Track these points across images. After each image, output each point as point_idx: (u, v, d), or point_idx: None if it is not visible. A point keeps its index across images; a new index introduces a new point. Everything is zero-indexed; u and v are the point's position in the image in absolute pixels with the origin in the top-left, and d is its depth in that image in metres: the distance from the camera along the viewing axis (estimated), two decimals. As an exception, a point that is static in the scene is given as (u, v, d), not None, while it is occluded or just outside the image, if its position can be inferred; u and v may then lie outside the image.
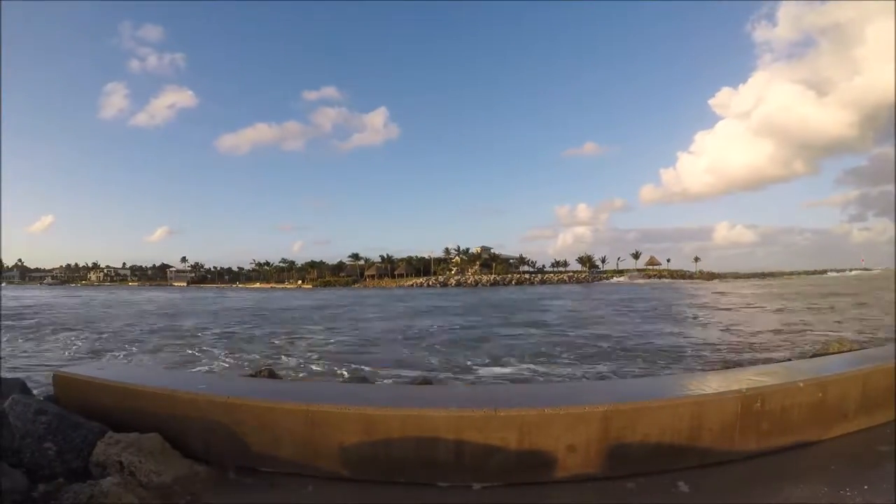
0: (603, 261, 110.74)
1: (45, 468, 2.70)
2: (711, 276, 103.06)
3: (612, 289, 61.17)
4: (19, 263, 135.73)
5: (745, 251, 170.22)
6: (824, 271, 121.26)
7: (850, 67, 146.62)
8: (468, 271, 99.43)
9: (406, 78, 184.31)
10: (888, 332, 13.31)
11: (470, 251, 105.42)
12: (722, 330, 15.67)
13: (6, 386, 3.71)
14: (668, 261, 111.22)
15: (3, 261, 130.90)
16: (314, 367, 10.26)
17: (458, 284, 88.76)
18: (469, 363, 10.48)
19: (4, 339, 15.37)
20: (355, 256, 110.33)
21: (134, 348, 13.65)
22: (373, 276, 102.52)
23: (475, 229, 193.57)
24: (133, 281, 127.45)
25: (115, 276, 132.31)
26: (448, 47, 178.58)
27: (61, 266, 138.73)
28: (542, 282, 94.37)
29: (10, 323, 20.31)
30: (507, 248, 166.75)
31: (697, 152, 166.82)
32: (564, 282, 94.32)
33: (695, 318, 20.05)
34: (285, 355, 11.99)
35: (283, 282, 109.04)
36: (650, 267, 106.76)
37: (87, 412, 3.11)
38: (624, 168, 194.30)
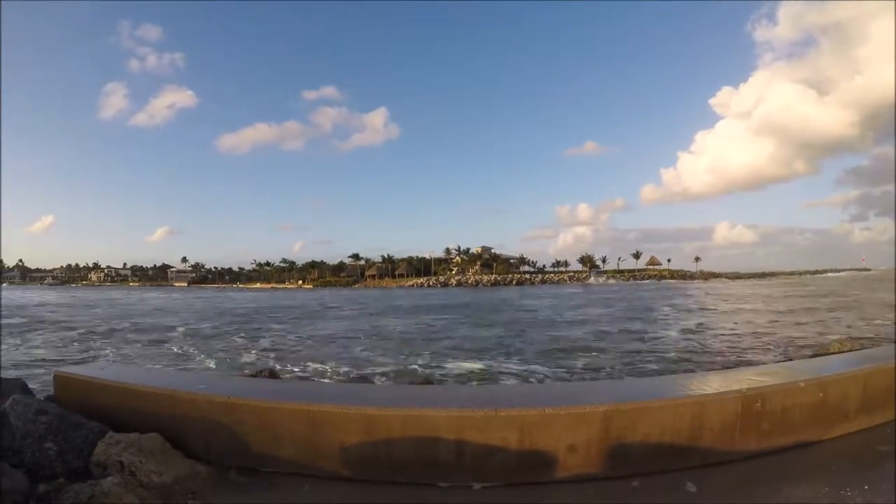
0: (604, 261, 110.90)
1: (46, 468, 2.70)
2: (711, 276, 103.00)
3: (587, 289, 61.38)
4: (20, 264, 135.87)
5: (746, 251, 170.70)
6: (824, 271, 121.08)
7: (851, 67, 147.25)
8: (469, 271, 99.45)
9: (406, 78, 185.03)
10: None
11: (470, 251, 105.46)
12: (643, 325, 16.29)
13: (7, 386, 3.72)
14: (669, 261, 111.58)
15: (4, 261, 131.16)
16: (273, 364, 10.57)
17: (459, 284, 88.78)
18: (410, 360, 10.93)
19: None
20: (356, 256, 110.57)
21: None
22: (373, 277, 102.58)
23: (475, 229, 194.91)
24: (134, 281, 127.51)
25: (116, 277, 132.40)
26: (448, 47, 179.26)
27: (62, 266, 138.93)
28: (543, 282, 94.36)
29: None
30: (507, 248, 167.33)
31: (698, 152, 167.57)
32: (565, 282, 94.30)
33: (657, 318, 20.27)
34: (245, 351, 12.70)
35: (283, 282, 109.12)
36: (650, 267, 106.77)
37: (87, 412, 3.11)
38: (624, 168, 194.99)
